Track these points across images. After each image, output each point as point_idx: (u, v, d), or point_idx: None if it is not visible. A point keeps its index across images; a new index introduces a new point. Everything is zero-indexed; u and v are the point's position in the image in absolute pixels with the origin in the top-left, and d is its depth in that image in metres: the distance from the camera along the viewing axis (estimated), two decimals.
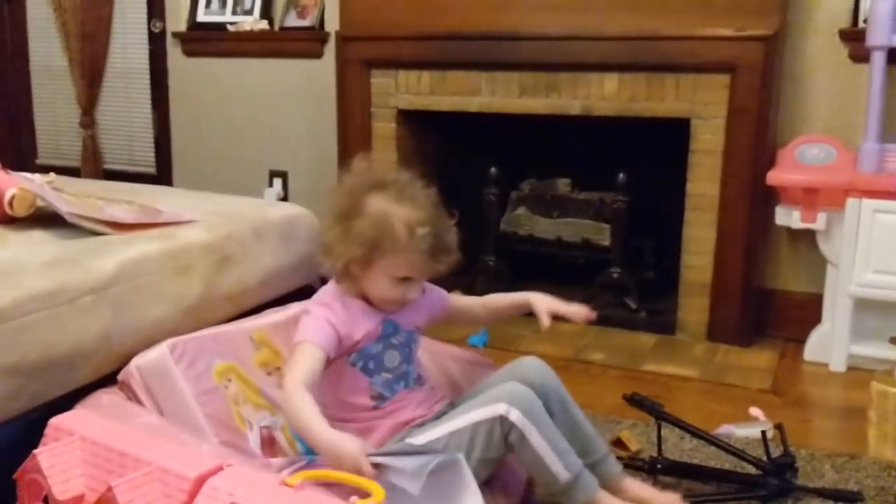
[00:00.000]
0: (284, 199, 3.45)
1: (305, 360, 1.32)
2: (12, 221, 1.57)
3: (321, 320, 1.39)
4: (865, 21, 2.40)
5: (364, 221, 1.40)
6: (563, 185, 3.19)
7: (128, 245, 1.47)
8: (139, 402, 1.32)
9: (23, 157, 4.14)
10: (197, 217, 1.67)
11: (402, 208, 1.42)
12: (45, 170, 4.01)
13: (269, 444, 1.42)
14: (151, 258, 1.47)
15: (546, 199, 3.17)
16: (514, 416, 1.33)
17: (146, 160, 3.83)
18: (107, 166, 3.92)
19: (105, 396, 1.33)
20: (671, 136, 2.58)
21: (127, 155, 3.88)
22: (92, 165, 3.89)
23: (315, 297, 1.51)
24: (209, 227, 1.65)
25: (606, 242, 2.95)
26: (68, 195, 1.64)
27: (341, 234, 1.42)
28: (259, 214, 1.81)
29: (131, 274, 1.42)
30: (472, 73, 2.83)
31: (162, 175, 3.74)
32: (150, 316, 1.43)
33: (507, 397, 1.35)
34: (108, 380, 1.38)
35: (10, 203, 1.53)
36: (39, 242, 1.47)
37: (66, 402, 1.31)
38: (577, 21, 2.62)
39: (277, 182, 3.45)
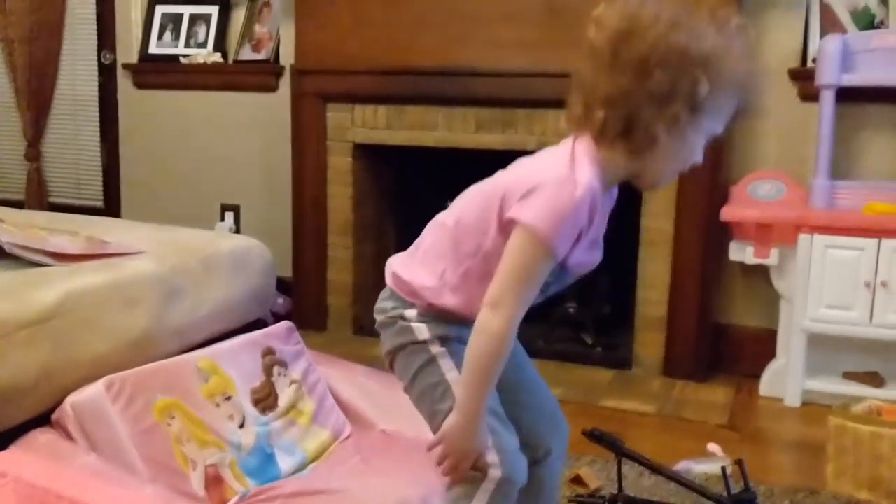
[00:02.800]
0: (237, 233, 3.38)
1: (532, 281, 1.04)
2: None
3: (574, 214, 1.04)
4: (814, 61, 2.46)
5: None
6: None
7: (71, 276, 1.41)
8: (74, 442, 1.25)
9: None
10: (145, 248, 1.62)
11: None
12: None
13: (216, 483, 1.36)
14: (96, 290, 1.41)
15: None
16: (500, 479, 1.13)
17: (94, 193, 3.73)
18: (52, 199, 3.81)
19: (42, 436, 1.26)
20: None
21: (74, 188, 3.79)
22: (37, 198, 3.78)
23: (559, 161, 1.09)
24: (157, 259, 1.59)
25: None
26: (9, 225, 1.57)
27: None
28: (209, 246, 1.76)
29: (73, 306, 1.35)
30: (428, 108, 2.82)
31: (110, 208, 3.64)
32: (93, 351, 1.37)
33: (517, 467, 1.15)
34: (47, 418, 1.31)
35: None
36: None
37: (1, 441, 1.24)
38: (533, 58, 2.63)
39: (229, 216, 3.39)
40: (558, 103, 2.75)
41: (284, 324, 1.76)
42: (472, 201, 1.20)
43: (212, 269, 1.68)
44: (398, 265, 1.24)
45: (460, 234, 1.18)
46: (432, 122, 2.83)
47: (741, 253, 2.47)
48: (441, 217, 1.25)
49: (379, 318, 1.23)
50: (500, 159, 2.84)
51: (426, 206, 3.10)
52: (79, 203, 3.76)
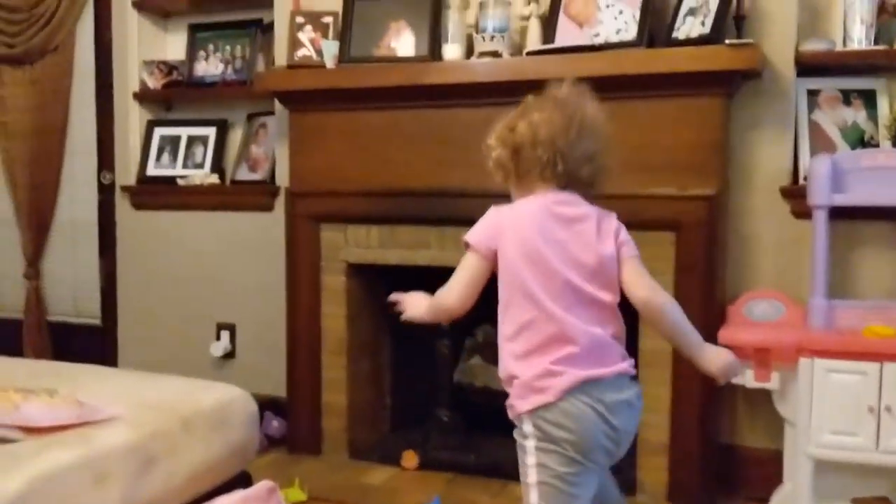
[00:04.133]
0: (231, 352, 3.36)
1: None
2: None
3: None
4: (805, 178, 2.45)
5: None
6: None
7: (39, 455, 1.38)
8: None
9: None
10: (120, 411, 1.58)
11: None
12: None
13: None
14: (65, 469, 1.37)
15: None
16: None
17: (92, 311, 3.73)
18: (51, 317, 3.80)
19: None
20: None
21: (72, 306, 3.78)
22: (35, 317, 3.78)
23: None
24: (134, 425, 1.56)
25: None
26: None
27: None
28: (190, 402, 1.72)
29: (41, 492, 1.31)
30: (420, 228, 2.82)
31: (107, 326, 3.63)
32: None
33: None
34: None
35: None
36: None
37: None
38: None
39: (225, 334, 3.37)
40: None
41: (265, 484, 1.70)
42: None
43: (192, 429, 1.64)
44: None
45: None
46: (424, 241, 2.83)
47: (741, 376, 2.41)
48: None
49: None
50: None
51: (420, 324, 3.07)
52: (77, 321, 3.76)
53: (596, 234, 1.56)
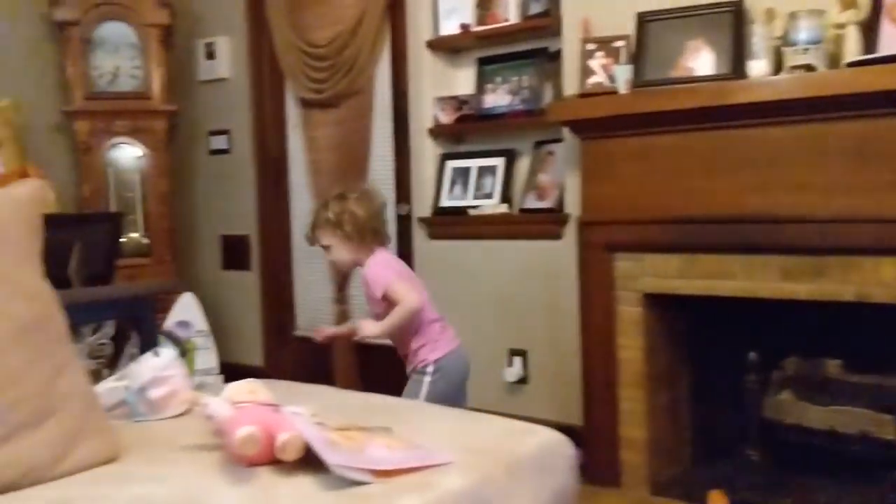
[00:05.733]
0: (524, 378, 3.40)
1: None
2: (278, 462, 1.61)
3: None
4: None
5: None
6: (833, 366, 2.87)
7: (391, 500, 1.45)
8: None
9: (283, 329, 4.47)
10: (451, 456, 1.63)
11: None
12: (301, 341, 4.31)
13: None
14: None
15: (814, 383, 2.86)
16: None
17: None
18: (358, 340, 4.09)
19: None
20: None
21: None
22: (345, 340, 4.09)
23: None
24: (463, 469, 1.60)
25: (890, 437, 2.58)
26: (332, 432, 1.67)
27: None
28: (513, 446, 1.74)
29: None
30: (724, 257, 2.67)
31: None
32: None
33: None
34: None
35: (283, 448, 1.57)
36: (311, 498, 1.48)
37: None
38: (843, 203, 2.40)
39: (517, 361, 3.42)
40: (877, 251, 2.48)
41: None
42: None
43: (516, 475, 1.66)
44: None
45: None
46: (729, 270, 2.67)
47: None
48: None
49: None
50: (809, 309, 2.60)
51: (722, 355, 2.92)
52: (379, 342, 4.00)
53: None
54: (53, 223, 1.79)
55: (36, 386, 1.58)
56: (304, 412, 1.77)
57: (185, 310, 3.74)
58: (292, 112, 4.32)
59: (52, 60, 4.34)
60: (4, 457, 1.48)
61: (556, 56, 3.28)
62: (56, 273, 1.75)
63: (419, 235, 3.72)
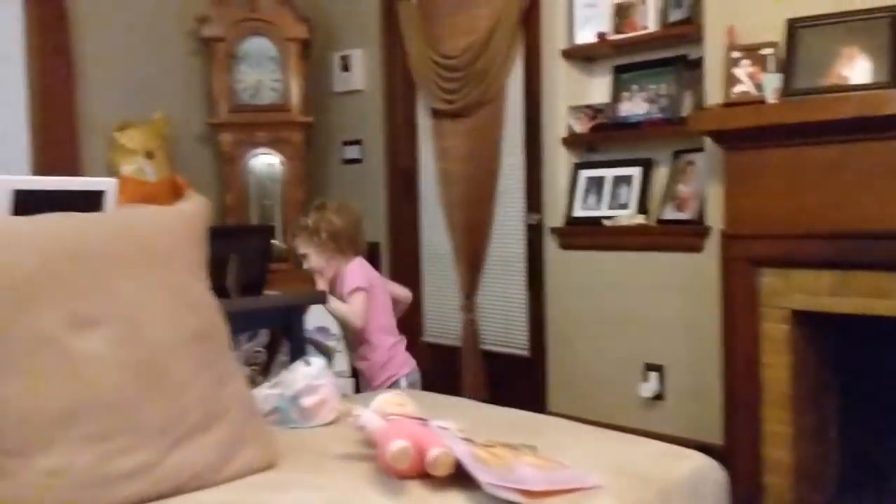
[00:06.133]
0: (660, 394, 3.32)
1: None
2: (428, 477, 1.63)
3: None
4: None
5: None
6: None
7: None
8: None
9: (412, 334, 4.53)
10: (601, 480, 1.61)
11: None
12: (430, 347, 4.36)
13: None
14: None
15: None
16: None
17: (520, 343, 3.96)
18: (484, 346, 4.12)
19: None
20: None
21: (503, 337, 4.06)
22: (471, 345, 4.12)
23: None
24: (615, 494, 1.57)
25: None
26: (480, 448, 1.68)
27: None
28: (664, 471, 1.70)
29: None
30: (882, 275, 2.52)
31: (535, 359, 3.83)
32: None
33: None
34: None
35: (434, 463, 1.59)
36: None
37: None
38: None
39: (653, 376, 3.34)
40: None
41: None
42: None
43: (668, 502, 1.62)
44: None
45: None
46: (886, 289, 2.52)
47: None
48: None
49: None
50: None
51: (874, 376, 2.75)
52: (507, 351, 4.03)
53: None
54: (213, 236, 1.88)
55: (203, 393, 1.66)
56: (451, 427, 1.79)
57: (320, 314, 3.86)
58: (424, 122, 4.39)
59: (199, 75, 4.57)
60: (175, 461, 1.56)
61: (695, 64, 3.19)
62: (215, 283, 1.84)
63: (551, 245, 3.70)
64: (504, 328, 4.06)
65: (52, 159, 4.03)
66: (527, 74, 3.81)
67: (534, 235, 3.81)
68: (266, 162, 4.49)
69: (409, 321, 4.52)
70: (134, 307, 1.62)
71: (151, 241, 1.73)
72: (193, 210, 1.86)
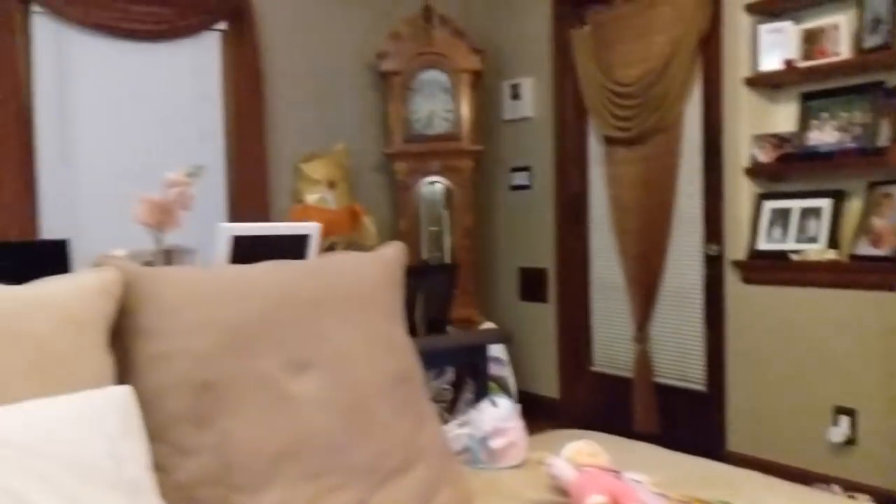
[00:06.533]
0: (851, 440, 3.13)
1: None
2: None
3: None
4: None
5: None
6: None
7: None
8: None
9: (579, 362, 4.52)
10: None
11: None
12: (598, 377, 4.32)
13: None
14: None
15: None
16: None
17: (696, 377, 3.85)
18: (657, 379, 4.03)
19: None
20: None
21: (678, 371, 3.95)
22: (643, 378, 4.04)
23: None
24: None
25: None
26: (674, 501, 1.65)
27: None
28: None
29: None
30: None
31: (712, 395, 3.71)
32: None
33: None
34: None
35: None
36: None
37: None
38: None
39: (844, 420, 3.15)
40: None
41: None
42: None
43: None
44: None
45: None
46: None
47: None
48: None
49: None
50: None
51: None
52: (682, 385, 3.92)
53: None
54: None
55: (403, 434, 1.73)
56: (644, 480, 1.77)
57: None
58: (594, 149, 4.36)
59: (376, 107, 4.77)
60: (380, 500, 1.63)
61: (893, 92, 3.00)
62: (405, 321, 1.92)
63: (731, 278, 3.57)
64: (679, 361, 3.95)
65: (244, 188, 4.33)
66: (705, 101, 3.71)
67: (713, 267, 3.69)
68: (438, 190, 4.61)
69: (577, 349, 4.50)
70: (342, 351, 1.72)
71: (356, 287, 1.82)
72: (392, 255, 1.95)
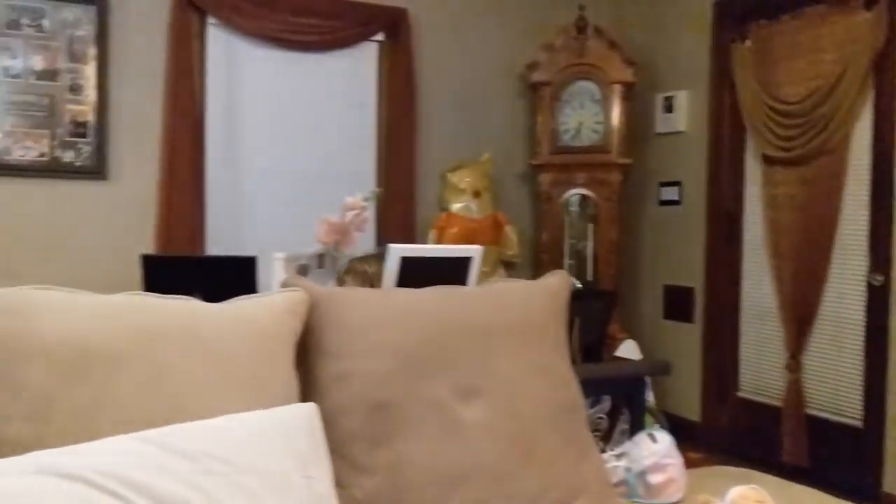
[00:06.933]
0: None
1: None
2: None
3: None
4: None
5: None
6: None
7: None
8: None
9: (724, 386, 4.37)
10: None
11: None
12: (744, 403, 4.17)
13: None
14: None
15: None
16: None
17: (852, 411, 3.65)
18: (809, 411, 3.85)
19: None
20: None
21: (832, 404, 3.77)
22: (794, 408, 3.87)
23: None
24: None
25: None
26: None
27: None
28: None
29: None
30: None
31: (868, 431, 3.51)
32: None
33: None
34: None
35: None
36: None
37: None
38: None
39: None
40: None
41: None
42: None
43: None
44: None
45: None
46: None
47: None
48: None
49: None
50: None
51: None
52: (835, 419, 3.73)
53: None
54: None
55: (567, 466, 1.75)
56: None
57: (628, 355, 3.88)
58: (751, 167, 4.21)
59: (523, 117, 4.78)
60: None
61: None
62: None
63: None
64: (833, 394, 3.76)
65: (393, 195, 4.44)
66: (875, 124, 3.51)
67: (877, 297, 3.50)
68: (583, 202, 4.58)
69: (723, 373, 4.37)
70: (509, 379, 1.75)
71: (523, 316, 1.85)
72: (558, 285, 1.96)
